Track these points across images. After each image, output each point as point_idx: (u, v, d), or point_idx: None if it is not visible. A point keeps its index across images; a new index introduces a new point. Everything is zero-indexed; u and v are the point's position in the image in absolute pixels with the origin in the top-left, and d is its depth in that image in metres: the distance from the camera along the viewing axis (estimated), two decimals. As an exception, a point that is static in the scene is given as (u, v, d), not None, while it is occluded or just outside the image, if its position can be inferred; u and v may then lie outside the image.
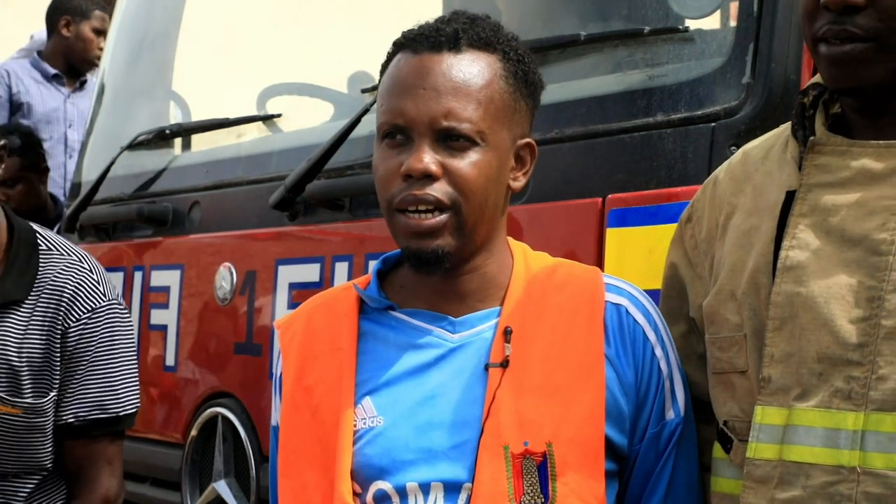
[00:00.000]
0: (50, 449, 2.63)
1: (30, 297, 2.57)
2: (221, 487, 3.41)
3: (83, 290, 2.59)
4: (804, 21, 1.82)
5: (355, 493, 1.92)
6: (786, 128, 1.92)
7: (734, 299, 1.89)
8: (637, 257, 2.41)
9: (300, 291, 3.26)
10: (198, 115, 4.25)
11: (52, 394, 2.59)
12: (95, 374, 2.62)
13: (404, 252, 1.95)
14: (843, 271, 1.76)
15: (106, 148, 4.22)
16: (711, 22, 2.75)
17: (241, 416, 3.38)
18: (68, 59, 5.99)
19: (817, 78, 1.89)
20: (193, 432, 3.50)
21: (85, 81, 6.02)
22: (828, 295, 1.76)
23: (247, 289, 3.43)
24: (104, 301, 2.61)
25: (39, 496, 2.67)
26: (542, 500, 1.86)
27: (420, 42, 1.93)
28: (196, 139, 4.05)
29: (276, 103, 3.91)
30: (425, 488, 1.89)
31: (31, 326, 2.57)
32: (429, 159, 1.88)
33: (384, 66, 1.99)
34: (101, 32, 5.94)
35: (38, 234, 2.64)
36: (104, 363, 2.62)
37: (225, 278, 3.49)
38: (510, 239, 2.03)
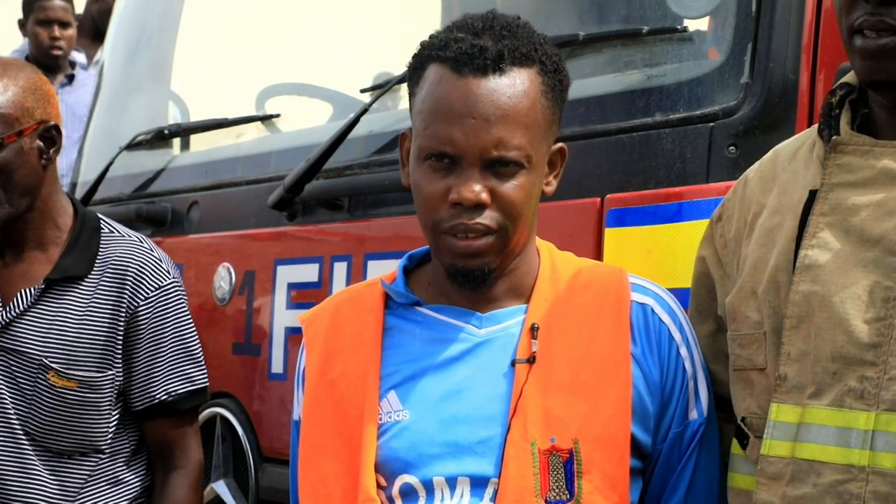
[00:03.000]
0: (105, 429, 2.69)
1: (92, 275, 2.65)
2: (220, 487, 3.41)
3: (147, 269, 2.66)
4: (841, 12, 1.82)
5: (380, 487, 1.93)
6: (815, 128, 1.93)
7: (755, 297, 1.90)
8: (636, 257, 2.41)
9: (299, 291, 3.26)
10: (196, 115, 4.25)
11: (111, 372, 2.65)
12: (179, 349, 2.71)
13: (448, 270, 1.96)
14: (860, 271, 1.77)
15: (104, 148, 4.22)
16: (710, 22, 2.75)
17: (240, 416, 3.38)
18: (35, 58, 5.98)
19: (847, 78, 1.90)
20: (192, 432, 3.50)
21: (73, 76, 5.99)
22: (844, 295, 1.77)
23: (245, 289, 3.43)
24: (169, 278, 2.69)
25: (101, 485, 2.72)
26: (568, 496, 1.88)
27: (462, 62, 1.90)
28: (195, 139, 4.05)
29: (275, 103, 3.91)
30: (452, 482, 1.91)
31: (93, 303, 2.64)
32: (479, 188, 1.89)
33: (414, 77, 1.98)
34: (49, 22, 5.88)
35: (101, 220, 2.73)
36: (184, 338, 2.72)
37: (224, 278, 3.49)
38: (537, 238, 2.05)
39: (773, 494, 1.81)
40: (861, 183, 1.80)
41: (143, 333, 2.66)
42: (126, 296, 2.64)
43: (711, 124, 2.41)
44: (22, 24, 6.01)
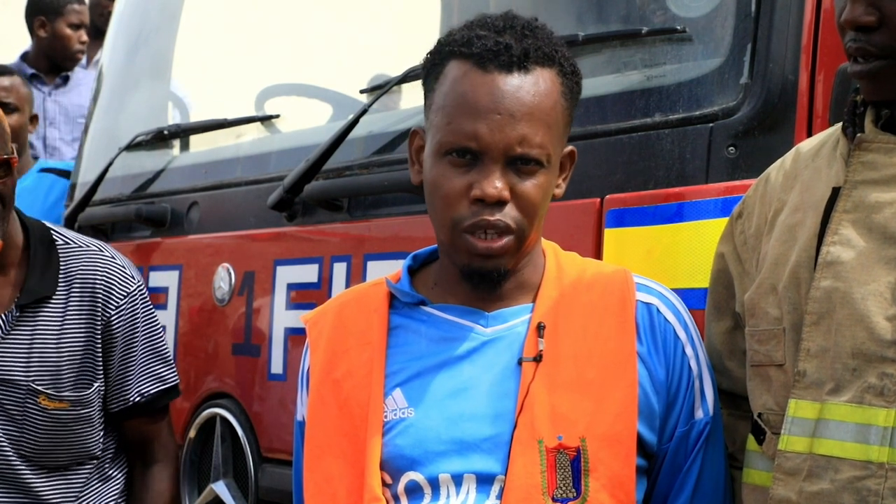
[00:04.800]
0: (98, 437, 2.72)
1: (59, 292, 2.64)
2: (220, 488, 3.41)
3: (114, 278, 2.68)
4: (840, 35, 1.85)
5: (385, 484, 1.94)
6: (839, 126, 1.93)
7: (775, 293, 1.91)
8: (635, 258, 2.41)
9: (298, 292, 3.26)
10: (196, 116, 4.26)
11: (97, 384, 2.67)
12: (149, 351, 2.74)
13: (463, 270, 1.96)
14: (882, 268, 1.77)
15: (104, 148, 4.22)
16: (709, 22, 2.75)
17: (240, 417, 3.38)
18: (51, 59, 5.99)
19: None
20: (192, 433, 3.50)
21: (67, 77, 6.00)
22: (865, 291, 1.77)
23: (245, 289, 3.43)
24: (135, 283, 2.72)
25: (94, 483, 2.74)
26: (574, 494, 1.88)
27: (487, 58, 1.90)
28: (194, 140, 4.05)
29: (275, 104, 3.91)
30: (458, 480, 1.91)
31: (67, 320, 2.64)
32: (501, 185, 1.89)
33: (433, 73, 1.97)
34: (80, 26, 5.92)
35: (51, 230, 2.70)
36: (152, 339, 2.76)
37: (223, 279, 3.49)
38: (542, 239, 2.06)
39: (790, 490, 1.81)
40: (885, 181, 1.80)
41: (116, 341, 2.68)
42: (98, 308, 2.65)
43: (711, 125, 2.41)
44: (42, 24, 5.97)
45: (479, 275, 1.95)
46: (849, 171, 1.83)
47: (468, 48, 1.92)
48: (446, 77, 1.94)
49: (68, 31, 5.92)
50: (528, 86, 1.90)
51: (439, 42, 1.98)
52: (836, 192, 1.85)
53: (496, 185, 1.88)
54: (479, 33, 1.93)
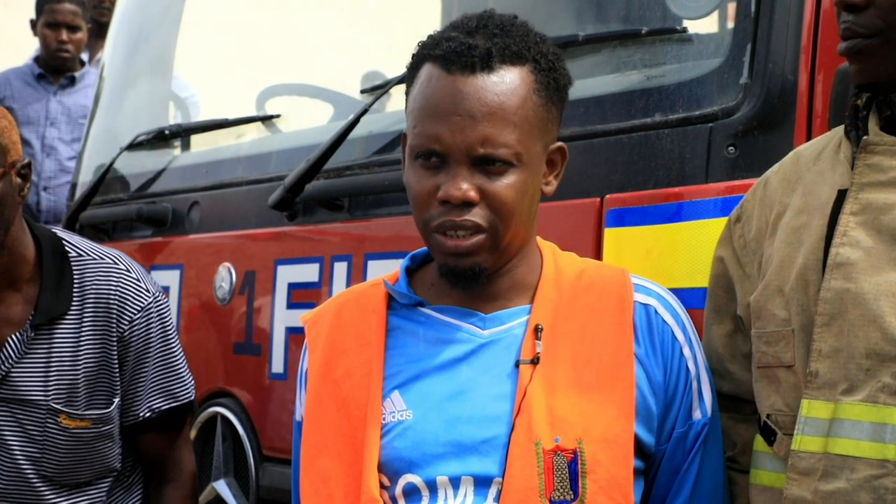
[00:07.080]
0: (118, 451, 2.68)
1: (73, 308, 2.58)
2: (221, 487, 3.41)
3: (128, 293, 2.61)
4: (836, 20, 1.88)
5: (383, 487, 1.94)
6: (839, 129, 1.95)
7: (782, 295, 1.91)
8: (635, 257, 2.42)
9: (299, 291, 3.26)
10: (199, 115, 4.26)
11: (116, 400, 2.62)
12: (161, 366, 2.68)
13: (442, 268, 1.97)
14: (893, 269, 1.78)
15: (105, 148, 4.22)
16: (709, 23, 2.76)
17: (241, 416, 3.39)
18: (44, 60, 6.02)
19: None
20: (193, 432, 3.51)
21: (74, 78, 6.01)
22: (877, 292, 1.78)
23: (246, 289, 3.44)
24: (149, 297, 2.64)
25: (117, 493, 2.73)
26: (572, 496, 1.88)
27: (451, 60, 1.90)
28: (195, 139, 4.05)
29: (276, 104, 3.91)
30: (455, 482, 1.91)
31: (82, 337, 2.59)
32: (466, 186, 1.89)
33: (409, 77, 1.98)
34: (57, 25, 5.92)
35: (63, 241, 2.64)
36: (166, 355, 2.69)
37: (224, 278, 3.50)
38: (539, 239, 2.05)
39: (805, 490, 1.82)
40: (891, 182, 1.82)
41: (130, 355, 2.63)
42: (113, 324, 2.60)
43: (710, 125, 2.42)
44: (34, 25, 6.04)
45: (455, 273, 1.95)
46: (855, 174, 1.85)
47: (436, 51, 1.93)
48: (418, 80, 1.95)
49: (45, 31, 5.95)
50: (491, 86, 1.90)
51: (418, 45, 1.99)
52: (841, 195, 1.86)
53: (461, 186, 1.88)
54: (450, 35, 1.93)
